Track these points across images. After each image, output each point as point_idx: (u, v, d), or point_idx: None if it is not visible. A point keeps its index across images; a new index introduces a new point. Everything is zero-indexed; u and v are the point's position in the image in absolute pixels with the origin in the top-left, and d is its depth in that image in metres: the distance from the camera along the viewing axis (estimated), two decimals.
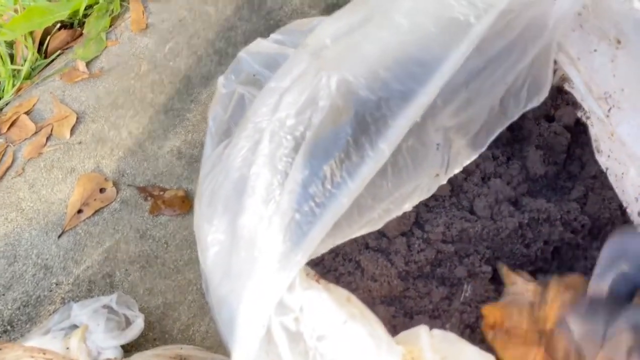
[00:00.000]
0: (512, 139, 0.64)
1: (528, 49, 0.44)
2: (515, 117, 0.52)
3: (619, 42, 0.45)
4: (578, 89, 0.58)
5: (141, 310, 0.59)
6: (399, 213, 0.46)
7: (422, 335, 0.36)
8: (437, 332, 0.37)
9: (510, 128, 0.65)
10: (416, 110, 0.37)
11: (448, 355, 0.35)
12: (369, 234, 0.56)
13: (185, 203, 0.69)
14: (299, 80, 0.41)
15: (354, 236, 0.43)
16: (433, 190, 0.48)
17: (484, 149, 0.51)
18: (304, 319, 0.39)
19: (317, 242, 0.37)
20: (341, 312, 0.39)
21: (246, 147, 0.45)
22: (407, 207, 0.46)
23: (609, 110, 0.49)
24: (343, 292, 0.42)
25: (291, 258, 0.38)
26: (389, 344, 0.37)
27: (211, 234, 0.45)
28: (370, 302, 0.54)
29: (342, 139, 0.37)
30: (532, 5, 0.40)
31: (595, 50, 0.48)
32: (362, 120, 0.37)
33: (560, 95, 0.65)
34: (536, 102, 0.53)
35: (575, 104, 0.62)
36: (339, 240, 0.43)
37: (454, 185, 0.59)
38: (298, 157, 0.38)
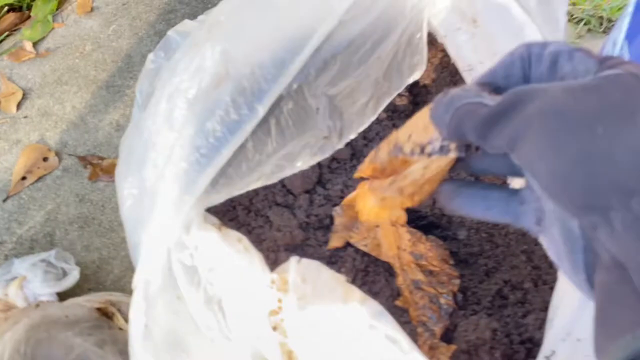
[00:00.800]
0: (415, 110, 0.71)
1: (395, 26, 0.51)
2: (401, 89, 0.59)
3: (475, 21, 0.53)
4: None
5: (78, 264, 0.65)
6: (294, 170, 0.53)
7: (291, 263, 0.43)
8: (304, 260, 0.44)
9: (414, 102, 0.73)
10: (286, 77, 0.44)
11: (307, 277, 0.42)
12: (279, 192, 0.63)
13: None
14: (192, 50, 0.47)
15: (249, 188, 0.50)
16: (327, 151, 0.54)
17: (375, 117, 0.58)
18: (198, 255, 0.46)
19: (203, 188, 0.44)
20: (229, 249, 0.46)
21: (153, 110, 0.51)
22: (301, 164, 0.53)
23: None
24: (235, 234, 0.49)
25: (181, 201, 0.44)
26: (263, 272, 0.44)
27: (126, 189, 0.52)
28: (276, 249, 0.61)
29: (223, 100, 0.44)
30: None
31: (459, 29, 0.55)
32: (239, 84, 0.44)
33: (459, 73, 0.72)
34: (417, 75, 0.60)
35: None
36: (236, 191, 0.49)
37: (355, 150, 0.66)
38: (188, 115, 0.45)
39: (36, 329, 0.49)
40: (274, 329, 0.40)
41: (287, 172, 0.53)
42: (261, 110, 0.44)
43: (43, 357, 0.47)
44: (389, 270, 0.59)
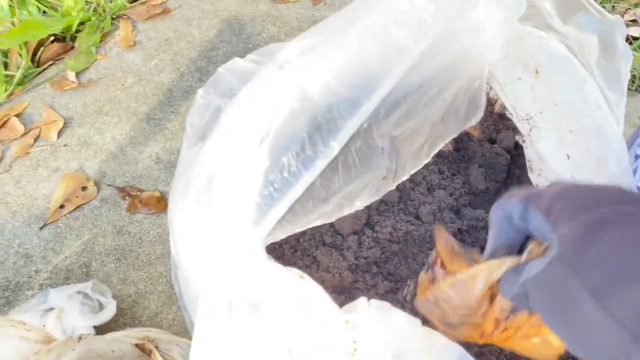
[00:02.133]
0: (458, 158, 0.71)
1: (460, 72, 0.51)
2: (456, 134, 0.59)
3: (537, 72, 0.54)
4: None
5: (114, 297, 0.64)
6: (351, 210, 0.52)
7: (361, 303, 0.42)
8: (373, 301, 0.43)
9: (457, 148, 0.73)
10: (360, 115, 0.44)
11: (381, 318, 0.41)
12: (326, 232, 0.62)
13: (160, 203, 0.74)
14: (267, 87, 0.47)
15: (310, 226, 0.49)
16: (382, 192, 0.54)
17: (428, 160, 0.58)
18: (264, 291, 0.44)
19: (274, 222, 0.43)
20: (296, 285, 0.45)
21: (218, 146, 0.51)
22: (359, 204, 0.52)
23: (531, 130, 0.57)
24: (297, 271, 0.48)
25: (252, 234, 0.43)
26: (334, 311, 0.43)
27: (184, 222, 0.51)
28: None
29: (298, 136, 0.43)
30: (462, 35, 0.48)
31: (519, 79, 0.56)
32: (315, 121, 0.44)
33: (501, 120, 0.73)
34: (474, 121, 0.60)
35: (515, 129, 0.70)
36: (297, 228, 0.48)
37: (403, 193, 0.65)
38: (262, 151, 0.44)
39: None
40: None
41: (346, 211, 0.52)
42: (336, 147, 0.43)
43: None
44: None
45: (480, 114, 0.58)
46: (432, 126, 0.56)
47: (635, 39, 1.04)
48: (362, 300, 0.44)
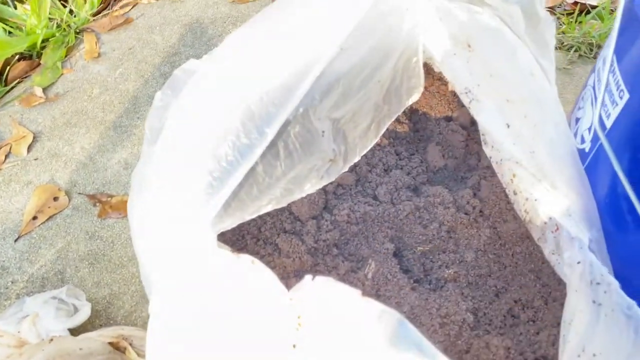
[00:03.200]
0: (416, 138, 0.73)
1: (391, 52, 0.53)
2: (400, 111, 0.61)
3: (469, 46, 0.55)
4: None
5: (89, 300, 0.66)
6: (302, 194, 0.54)
7: (306, 281, 0.44)
8: (318, 278, 0.45)
9: (415, 129, 0.75)
10: (293, 101, 0.46)
11: (323, 292, 0.42)
12: (286, 219, 0.64)
13: None
14: (200, 82, 0.49)
15: (261, 212, 0.51)
16: (333, 174, 0.56)
17: (377, 139, 0.60)
18: (214, 278, 0.46)
19: (217, 209, 0.45)
20: (245, 270, 0.46)
21: (163, 142, 0.53)
22: (308, 187, 0.54)
23: (470, 103, 0.58)
24: (249, 257, 0.49)
25: (198, 225, 0.45)
26: (279, 288, 0.45)
27: (140, 217, 0.53)
28: (286, 276, 0.61)
29: (233, 126, 0.45)
30: (387, 15, 0.50)
31: (454, 54, 0.57)
32: (248, 110, 0.46)
33: (456, 98, 0.75)
34: (415, 97, 0.62)
35: None
36: (248, 215, 0.50)
37: (360, 176, 0.67)
38: (201, 143, 0.46)
39: None
40: (294, 347, 0.40)
41: (297, 196, 0.54)
42: (270, 134, 0.45)
43: None
44: (397, 294, 0.59)
45: (420, 89, 0.60)
46: (375, 107, 0.58)
47: (594, 7, 1.06)
48: (307, 278, 0.45)
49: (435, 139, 0.72)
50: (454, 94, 0.75)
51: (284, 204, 0.53)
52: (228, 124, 0.46)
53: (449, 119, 0.74)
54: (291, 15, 0.48)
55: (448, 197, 0.65)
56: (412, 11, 0.51)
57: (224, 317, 0.43)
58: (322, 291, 0.44)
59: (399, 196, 0.65)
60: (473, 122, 0.73)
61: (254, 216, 0.51)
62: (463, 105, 0.73)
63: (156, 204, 0.49)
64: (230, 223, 0.49)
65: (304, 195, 0.54)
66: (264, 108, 0.46)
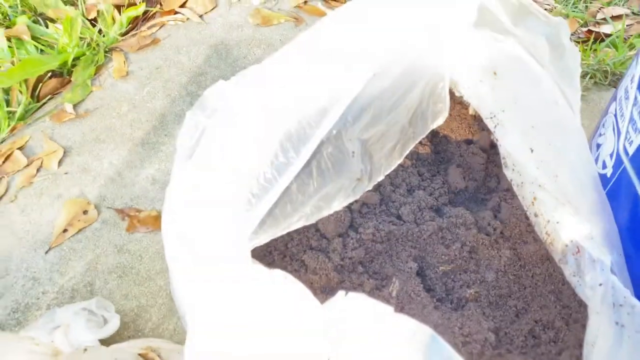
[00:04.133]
0: (437, 160, 0.75)
1: (419, 78, 0.55)
2: (425, 134, 0.63)
3: (495, 73, 0.57)
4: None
5: (117, 312, 0.67)
6: (330, 211, 0.55)
7: (338, 297, 0.45)
8: (350, 293, 0.46)
9: (436, 151, 0.77)
10: (327, 123, 0.48)
11: (357, 310, 0.44)
12: (312, 236, 0.66)
13: (158, 221, 0.78)
14: (240, 104, 0.52)
15: (291, 228, 0.53)
16: (359, 192, 0.58)
17: (401, 160, 0.61)
18: (250, 292, 0.48)
19: (254, 226, 0.47)
20: (279, 283, 0.48)
21: (202, 162, 0.55)
22: (336, 205, 0.56)
23: (495, 127, 0.61)
24: (282, 273, 0.51)
25: (235, 240, 0.47)
26: (314, 303, 0.46)
27: (175, 234, 0.55)
28: (312, 292, 0.63)
29: (272, 146, 0.48)
30: (416, 44, 0.52)
31: (480, 81, 0.59)
32: (287, 131, 0.48)
33: (476, 122, 0.77)
34: (440, 121, 0.64)
35: (489, 130, 0.73)
36: (279, 231, 0.52)
37: (384, 195, 0.69)
38: (242, 162, 0.48)
39: None
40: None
41: (325, 213, 0.55)
42: (306, 153, 0.47)
43: None
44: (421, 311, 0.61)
45: (445, 114, 0.62)
46: (402, 130, 0.60)
47: (608, 35, 1.08)
48: (340, 294, 0.47)
49: (456, 161, 0.74)
50: (474, 118, 0.77)
51: (312, 221, 0.54)
52: (267, 144, 0.48)
53: (469, 142, 0.76)
54: (327, 42, 0.51)
55: (470, 218, 0.66)
56: (441, 40, 0.53)
57: (260, 332, 0.45)
58: (355, 307, 0.45)
59: (422, 216, 0.67)
60: (492, 145, 0.75)
61: (284, 232, 0.53)
62: (483, 129, 0.75)
63: (194, 221, 0.51)
64: (264, 239, 0.51)
65: (331, 212, 0.56)
66: (301, 129, 0.48)
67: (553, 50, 0.54)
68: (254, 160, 0.48)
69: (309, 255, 0.64)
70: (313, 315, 0.46)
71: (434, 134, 0.77)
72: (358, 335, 0.43)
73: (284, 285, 0.48)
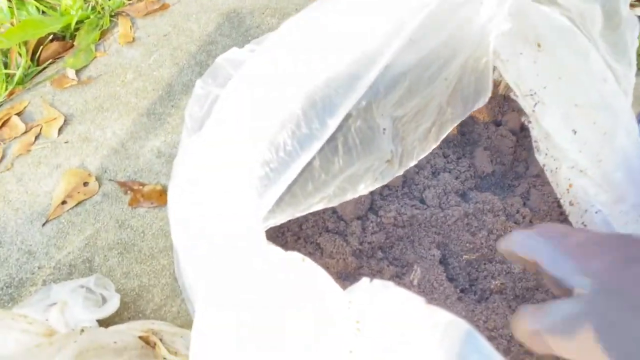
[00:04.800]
0: (463, 142, 0.70)
1: (461, 47, 0.50)
2: (464, 116, 0.58)
3: (539, 45, 0.52)
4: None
5: (117, 291, 0.63)
6: (355, 194, 0.51)
7: (363, 283, 0.41)
8: (376, 281, 0.42)
9: (462, 132, 0.72)
10: (358, 92, 0.43)
11: (384, 297, 0.39)
12: (329, 218, 0.61)
13: (163, 196, 0.74)
14: (258, 66, 0.47)
15: (312, 209, 0.48)
16: (388, 177, 0.53)
17: (436, 144, 0.57)
18: (264, 273, 0.43)
19: (272, 203, 0.42)
20: (297, 267, 0.44)
21: (213, 132, 0.50)
22: (362, 188, 0.51)
23: (535, 106, 0.56)
24: (298, 255, 0.47)
25: (250, 218, 0.43)
26: (336, 289, 0.42)
27: (182, 210, 0.50)
28: None
29: (293, 113, 0.43)
30: (460, 7, 0.47)
31: (521, 53, 0.54)
32: (311, 98, 0.43)
33: (506, 102, 0.71)
34: (482, 102, 0.59)
35: (520, 111, 0.68)
36: (298, 212, 0.47)
37: (407, 177, 0.64)
38: (257, 131, 0.43)
39: (85, 355, 0.46)
40: (350, 352, 0.38)
41: (350, 196, 0.51)
42: (332, 125, 0.42)
43: None
44: (444, 302, 0.57)
45: (488, 95, 0.57)
46: (439, 109, 0.55)
47: None
48: (364, 280, 0.43)
49: (483, 144, 0.69)
50: (504, 98, 0.72)
51: (335, 204, 0.50)
52: (288, 111, 0.43)
53: (497, 123, 0.71)
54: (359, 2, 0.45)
55: (498, 204, 0.62)
56: (486, 6, 0.48)
57: (276, 319, 0.41)
58: (381, 295, 0.41)
59: (447, 201, 0.62)
60: (522, 128, 0.70)
61: (303, 213, 0.48)
62: (513, 110, 0.70)
63: (205, 197, 0.46)
64: (281, 219, 0.46)
65: (356, 196, 0.51)
66: (327, 96, 0.43)
67: (608, 20, 0.49)
68: (273, 130, 0.43)
69: (325, 238, 0.60)
70: (335, 302, 0.41)
71: None
72: (385, 327, 0.39)
73: (302, 268, 0.44)
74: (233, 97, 0.49)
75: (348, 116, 0.45)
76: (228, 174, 0.44)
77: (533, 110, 0.56)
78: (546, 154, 0.63)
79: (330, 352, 0.38)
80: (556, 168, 0.62)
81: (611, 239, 0.34)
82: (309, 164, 0.44)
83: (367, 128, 0.48)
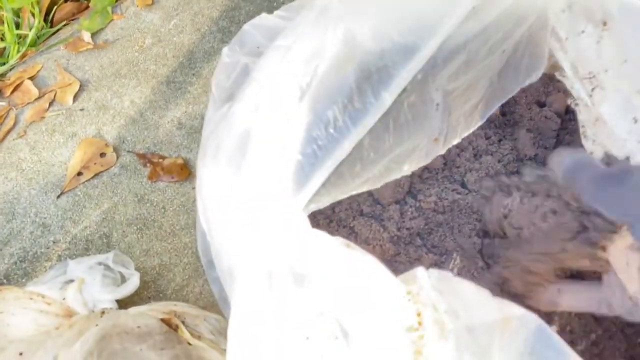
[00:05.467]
0: (505, 122, 0.66)
1: (522, 19, 0.46)
2: (514, 92, 0.54)
3: (605, 24, 0.48)
4: (568, 75, 0.60)
5: (137, 269, 0.60)
6: (398, 175, 0.47)
7: (420, 274, 0.37)
8: (433, 271, 0.38)
9: (503, 112, 0.67)
10: (416, 63, 0.39)
11: (445, 290, 0.36)
12: (364, 201, 0.58)
13: (184, 170, 0.70)
14: (306, 34, 0.42)
15: (356, 191, 0.44)
16: (432, 155, 0.49)
17: (482, 122, 0.53)
18: (310, 261, 0.40)
19: (319, 184, 0.39)
20: (348, 255, 0.40)
21: (251, 102, 0.46)
22: (407, 169, 0.47)
23: (593, 90, 0.51)
24: (342, 240, 0.43)
25: (294, 198, 0.39)
26: (390, 278, 0.38)
27: (215, 186, 0.46)
28: None
29: (346, 86, 0.39)
30: None
31: (582, 32, 0.50)
32: (365, 69, 0.39)
33: (551, 82, 0.67)
34: (534, 77, 0.54)
35: (565, 92, 0.64)
36: (341, 194, 0.44)
37: (447, 159, 0.60)
38: (303, 104, 0.39)
39: (108, 340, 0.43)
40: (414, 347, 0.34)
41: (394, 176, 0.47)
42: (388, 99, 0.38)
43: None
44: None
45: (542, 70, 0.53)
46: (490, 82, 0.51)
47: None
48: (420, 270, 0.39)
49: (526, 125, 0.65)
50: (550, 78, 0.67)
51: (378, 185, 0.46)
52: (339, 84, 0.39)
53: (542, 104, 0.67)
54: None
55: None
56: None
57: (333, 308, 0.37)
58: (445, 287, 0.37)
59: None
60: (568, 111, 0.65)
61: (346, 196, 0.44)
62: (559, 91, 0.66)
63: (241, 174, 0.42)
64: (325, 201, 0.43)
65: (400, 176, 0.48)
66: (385, 68, 0.39)
67: None
68: (322, 103, 0.39)
69: (360, 223, 0.56)
70: (391, 293, 0.38)
71: None
72: (450, 322, 0.35)
73: (351, 255, 0.40)
74: (275, 63, 0.45)
75: (402, 90, 0.41)
76: (269, 151, 0.40)
77: (590, 95, 0.52)
78: (594, 141, 0.59)
79: (385, 344, 0.35)
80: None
81: None
82: (359, 142, 0.40)
83: (420, 103, 0.44)
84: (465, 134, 0.52)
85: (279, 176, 0.39)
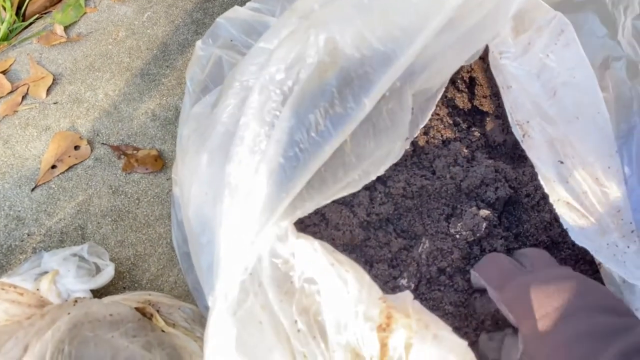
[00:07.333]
0: (474, 111, 0.67)
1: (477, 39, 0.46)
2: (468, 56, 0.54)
3: (509, 87, 0.50)
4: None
5: (112, 260, 0.59)
6: (374, 176, 0.47)
7: (407, 298, 0.38)
8: (416, 302, 0.39)
9: (472, 100, 0.68)
10: (395, 70, 0.38)
11: (423, 318, 0.37)
12: None
13: (158, 162, 0.70)
14: (288, 38, 0.41)
15: (337, 196, 0.43)
16: (402, 153, 0.49)
17: (433, 109, 0.54)
18: (295, 263, 0.40)
19: (301, 186, 0.38)
20: (330, 259, 0.40)
21: (233, 103, 0.44)
22: (382, 170, 0.47)
23: (523, 137, 0.53)
24: (328, 246, 0.42)
25: (275, 201, 0.38)
26: (371, 290, 0.39)
27: (195, 185, 0.46)
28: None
29: (327, 91, 0.38)
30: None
31: (509, 87, 0.51)
32: (346, 76, 0.38)
33: None
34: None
35: None
36: (324, 200, 0.42)
37: (416, 146, 0.61)
38: (285, 108, 0.38)
39: (80, 328, 0.43)
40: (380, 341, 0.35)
41: (372, 177, 0.46)
42: (368, 105, 0.38)
43: (88, 359, 0.41)
44: (452, 276, 0.54)
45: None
46: (442, 84, 0.51)
47: None
48: (407, 294, 0.40)
49: (495, 112, 0.66)
50: None
51: (358, 188, 0.45)
52: (321, 89, 0.39)
53: None
54: None
55: (511, 174, 0.60)
56: None
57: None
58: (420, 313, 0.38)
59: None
60: None
61: (329, 201, 0.44)
62: None
63: (224, 172, 0.42)
64: (309, 207, 0.42)
65: (375, 177, 0.47)
66: (365, 75, 0.38)
67: None
68: (304, 107, 0.39)
69: (330, 209, 0.56)
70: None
71: (471, 80, 0.68)
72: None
73: (333, 270, 0.40)
74: (255, 66, 0.45)
75: (381, 97, 0.41)
76: (246, 152, 0.40)
77: (522, 141, 0.53)
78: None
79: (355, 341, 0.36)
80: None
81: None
82: (340, 147, 0.40)
83: (399, 109, 0.44)
84: (422, 125, 0.53)
85: (262, 178, 0.39)
